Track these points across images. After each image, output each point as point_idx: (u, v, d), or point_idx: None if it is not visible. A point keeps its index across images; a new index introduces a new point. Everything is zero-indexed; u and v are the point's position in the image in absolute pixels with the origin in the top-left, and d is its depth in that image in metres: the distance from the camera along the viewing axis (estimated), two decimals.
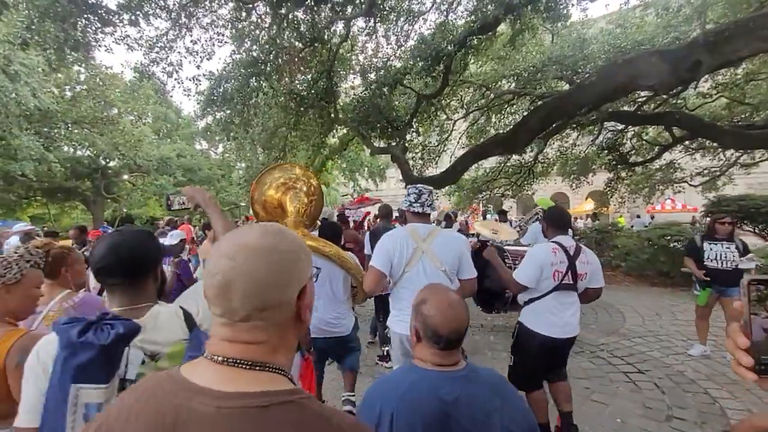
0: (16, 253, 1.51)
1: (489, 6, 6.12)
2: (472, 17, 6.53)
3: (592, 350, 4.74)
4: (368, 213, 10.86)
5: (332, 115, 9.46)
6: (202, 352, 0.69)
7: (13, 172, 14.98)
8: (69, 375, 0.94)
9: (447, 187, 14.47)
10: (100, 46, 5.61)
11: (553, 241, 2.71)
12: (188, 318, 1.19)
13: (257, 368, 0.63)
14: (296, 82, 8.33)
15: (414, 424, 1.14)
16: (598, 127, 12.79)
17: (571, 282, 2.60)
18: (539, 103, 10.68)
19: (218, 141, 14.38)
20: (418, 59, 6.88)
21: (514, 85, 11.34)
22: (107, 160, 19.75)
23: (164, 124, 23.12)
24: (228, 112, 8.32)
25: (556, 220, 2.86)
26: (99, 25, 5.49)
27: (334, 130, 11.78)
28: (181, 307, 1.22)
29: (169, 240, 4.27)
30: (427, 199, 2.53)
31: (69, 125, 16.86)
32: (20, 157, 14.55)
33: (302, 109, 8.60)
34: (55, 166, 15.78)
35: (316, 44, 7.23)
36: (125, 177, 22.54)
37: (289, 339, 0.70)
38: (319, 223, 3.55)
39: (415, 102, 8.51)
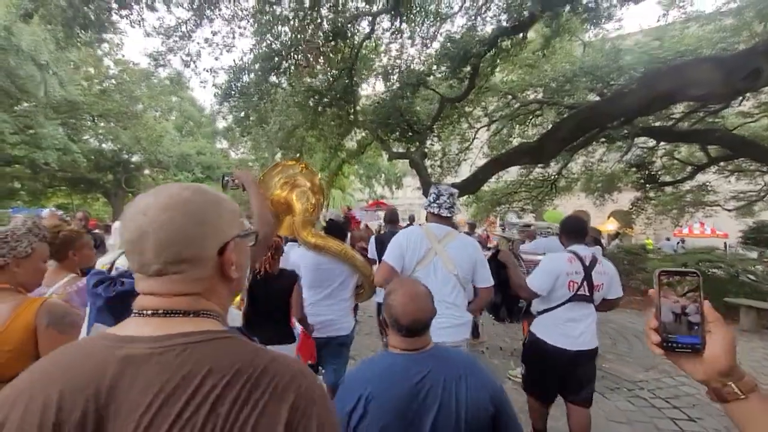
0: (24, 226, 1.50)
1: (526, 2, 5.59)
2: (505, 16, 6.02)
3: (630, 388, 4.09)
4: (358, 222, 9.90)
5: (351, 117, 9.03)
6: None
7: (38, 160, 15.04)
8: (93, 315, 1.19)
9: (465, 198, 13.91)
10: (113, 27, 5.30)
11: (568, 250, 2.61)
12: None
13: (188, 315, 0.62)
14: (316, 79, 7.92)
15: (385, 406, 1.21)
16: (628, 143, 12.06)
17: (587, 293, 2.50)
18: (569, 113, 10.09)
19: (236, 139, 14.12)
20: (445, 58, 6.39)
21: (541, 95, 10.78)
22: (129, 154, 19.81)
23: (187, 122, 23.20)
24: (244, 105, 7.97)
25: (572, 228, 2.73)
26: (113, 5, 5.17)
27: (353, 133, 11.39)
28: None
29: None
30: (445, 201, 2.43)
31: (95, 118, 16.94)
32: (44, 146, 14.59)
33: (321, 107, 8.21)
34: (78, 157, 15.81)
35: (338, 39, 6.82)
36: (146, 171, 22.68)
37: (217, 294, 0.68)
38: (323, 223, 3.39)
39: (438, 106, 8.00)
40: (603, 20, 6.31)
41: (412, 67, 7.85)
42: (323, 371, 2.91)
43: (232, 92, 7.99)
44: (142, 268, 0.62)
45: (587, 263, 2.51)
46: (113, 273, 1.31)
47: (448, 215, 2.45)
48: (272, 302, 2.58)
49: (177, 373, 0.54)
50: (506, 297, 3.15)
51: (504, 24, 5.98)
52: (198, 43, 7.09)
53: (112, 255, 2.12)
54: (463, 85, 7.48)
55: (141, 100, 17.44)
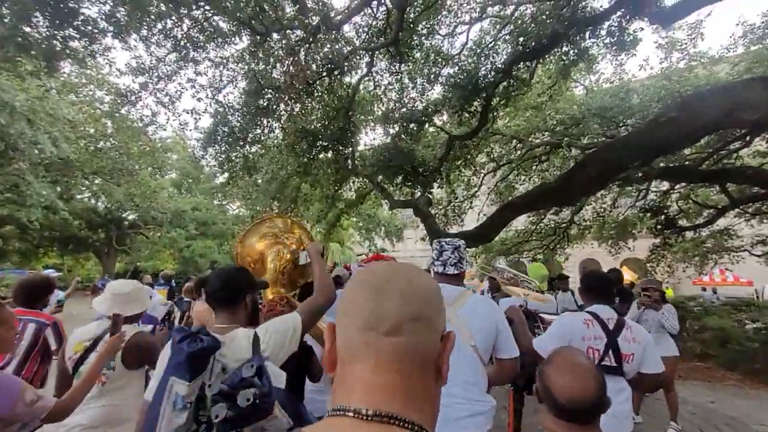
0: None
1: (549, 21, 4.78)
2: (522, 39, 5.19)
3: None
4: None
5: (348, 162, 8.04)
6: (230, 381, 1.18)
7: (21, 218, 13.93)
8: (170, 368, 1.23)
9: (474, 249, 12.64)
10: (71, 56, 4.38)
11: (587, 311, 2.19)
12: (255, 342, 1.37)
13: (405, 426, 0.50)
14: (308, 117, 7.00)
15: None
16: (645, 186, 11.09)
17: (615, 364, 2.01)
18: (584, 153, 9.21)
19: (231, 192, 13.17)
20: (455, 89, 5.48)
21: (548, 139, 9.99)
22: (122, 212, 18.79)
23: (185, 179, 22.52)
24: (230, 150, 6.96)
25: (593, 284, 2.34)
26: (75, 34, 4.29)
27: (350, 183, 10.41)
28: (255, 332, 1.40)
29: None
30: (450, 257, 2.03)
31: (88, 175, 16.12)
32: (28, 204, 13.54)
33: (315, 151, 7.21)
34: (63, 214, 14.71)
35: (333, 75, 5.98)
36: (142, 229, 21.58)
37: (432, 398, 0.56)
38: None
39: (446, 144, 7.03)
40: (627, 47, 5.53)
41: (415, 106, 6.97)
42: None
43: (218, 137, 7.03)
44: (373, 320, 0.54)
45: (611, 327, 2.08)
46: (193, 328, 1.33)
47: (456, 272, 2.03)
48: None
49: None
50: (527, 364, 2.41)
51: (521, 48, 5.12)
52: (179, 83, 6.19)
53: (96, 326, 2.08)
54: (474, 121, 6.53)
55: (136, 157, 16.70)
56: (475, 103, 5.95)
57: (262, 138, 7.66)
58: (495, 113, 6.73)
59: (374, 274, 0.58)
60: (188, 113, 6.43)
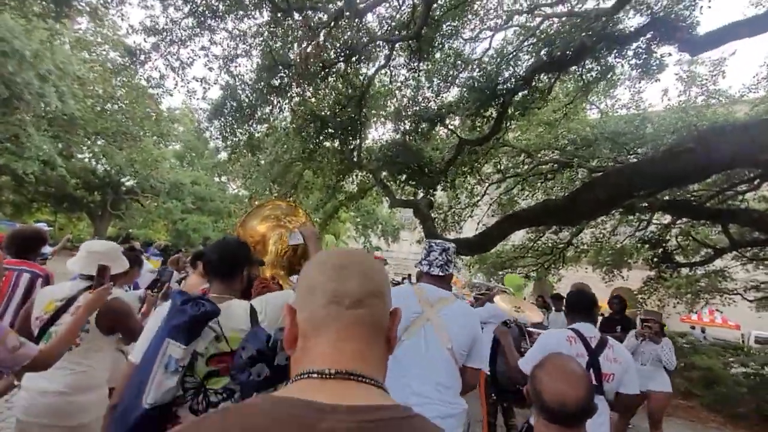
0: None
1: (577, 34, 4.62)
2: (546, 49, 5.03)
3: None
4: None
5: (354, 154, 7.87)
6: (260, 344, 1.23)
7: (16, 169, 13.68)
8: (167, 330, 1.21)
9: (468, 258, 12.49)
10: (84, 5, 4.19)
11: (570, 328, 2.16)
12: (253, 314, 1.38)
13: (368, 382, 0.55)
14: (321, 102, 6.82)
15: None
16: (647, 217, 10.97)
17: (595, 383, 1.91)
18: (591, 176, 9.09)
19: (232, 170, 12.93)
20: (473, 91, 5.31)
21: (557, 157, 9.85)
22: (120, 176, 18.53)
23: (189, 152, 22.26)
24: (233, 123, 6.77)
25: (576, 302, 2.33)
26: None
27: (353, 176, 10.23)
28: (251, 304, 1.42)
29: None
30: (437, 258, 1.99)
31: (90, 135, 15.87)
32: (25, 156, 13.30)
33: (322, 137, 7.03)
34: (61, 171, 14.46)
35: (352, 60, 5.80)
36: (139, 196, 21.30)
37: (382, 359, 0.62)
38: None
39: (455, 148, 6.86)
40: (652, 71, 5.39)
41: (429, 106, 6.79)
42: None
43: (225, 110, 6.84)
44: (337, 294, 0.59)
45: (593, 346, 2.08)
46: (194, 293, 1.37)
47: (441, 274, 2.00)
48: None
49: None
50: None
51: (544, 57, 4.96)
52: (192, 50, 5.99)
53: (71, 286, 1.93)
54: (486, 128, 6.37)
55: (141, 123, 16.44)
56: (491, 109, 5.78)
57: (270, 117, 7.48)
58: (509, 122, 6.55)
59: (333, 256, 0.63)
60: (198, 81, 6.24)
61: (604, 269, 13.49)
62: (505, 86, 5.31)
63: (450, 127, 6.68)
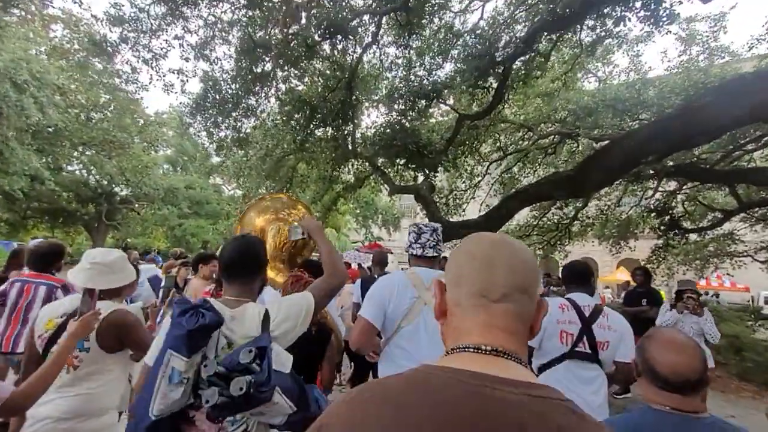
0: None
1: None
2: (549, 6, 4.54)
3: None
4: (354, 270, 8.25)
5: (348, 140, 7.41)
6: (228, 362, 1.10)
7: (3, 186, 13.17)
8: (168, 341, 1.13)
9: None
10: None
11: (565, 297, 2.19)
12: (265, 319, 1.27)
13: (518, 360, 0.57)
14: (308, 87, 6.33)
15: None
16: (654, 185, 10.59)
17: (588, 351, 1.99)
18: (600, 143, 8.67)
19: (228, 172, 12.41)
20: (471, 59, 4.84)
21: (559, 128, 9.41)
22: (113, 186, 18.00)
23: (181, 157, 21.68)
24: (217, 118, 6.29)
25: (572, 273, 2.33)
26: None
27: (349, 165, 9.78)
28: (266, 309, 1.30)
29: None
30: (429, 240, 2.00)
31: (77, 146, 15.31)
32: (11, 171, 12.77)
33: (313, 125, 6.57)
34: (50, 184, 13.94)
35: (337, 38, 5.32)
36: (136, 205, 20.79)
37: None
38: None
39: (455, 125, 6.40)
40: (663, 22, 4.93)
41: (423, 83, 6.30)
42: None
43: (207, 103, 6.36)
44: (485, 290, 0.60)
45: (587, 314, 2.03)
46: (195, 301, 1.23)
47: (435, 254, 1.99)
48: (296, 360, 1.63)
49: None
50: None
51: (545, 17, 4.48)
52: (165, 39, 5.48)
53: (70, 301, 1.82)
54: (486, 100, 5.91)
55: (128, 130, 15.86)
56: (490, 79, 5.32)
57: (257, 108, 7.00)
58: (509, 92, 6.09)
59: (483, 247, 0.63)
60: (174, 73, 5.74)
61: (610, 241, 13.15)
62: (505, 51, 4.84)
63: (448, 103, 6.19)
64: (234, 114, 6.75)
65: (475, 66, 4.87)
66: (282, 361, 1.24)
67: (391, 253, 19.11)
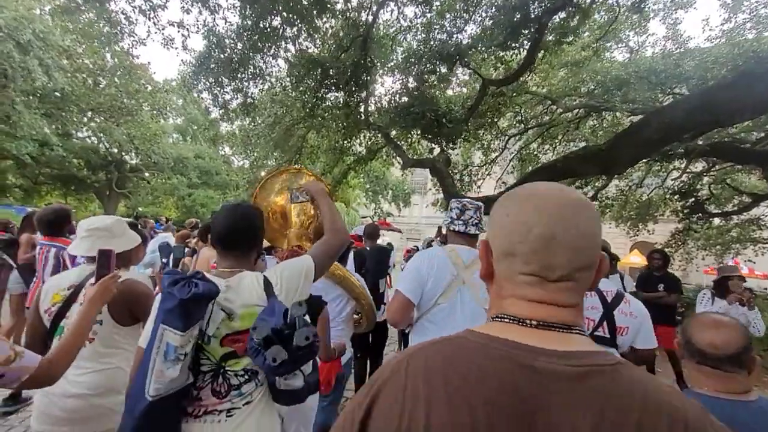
0: None
1: None
2: None
3: None
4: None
5: (361, 108, 6.88)
6: (276, 319, 1.03)
7: (11, 150, 12.94)
8: (160, 316, 1.07)
9: (486, 220, 11.67)
10: None
11: None
12: (267, 286, 1.21)
13: (573, 331, 0.53)
14: (321, 46, 5.77)
15: None
16: (682, 165, 9.93)
17: (607, 335, 1.94)
18: (634, 117, 8.03)
19: (237, 142, 11.93)
20: (500, 15, 4.24)
21: (585, 101, 8.72)
22: (122, 153, 17.71)
23: (190, 126, 21.20)
24: (223, 79, 5.80)
25: None
26: None
27: (361, 137, 9.26)
28: (264, 276, 1.23)
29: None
30: (472, 217, 1.93)
31: (85, 111, 14.92)
32: (19, 135, 12.49)
33: (323, 89, 6.05)
34: (58, 150, 13.67)
35: None
36: (146, 174, 20.57)
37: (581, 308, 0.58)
38: None
39: (479, 92, 5.83)
40: None
41: (446, 44, 5.68)
42: None
43: (211, 62, 5.85)
44: (542, 271, 0.54)
45: (609, 300, 1.97)
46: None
47: (476, 232, 1.92)
48: None
49: (610, 403, 0.46)
50: None
51: None
52: None
53: (78, 272, 1.69)
54: (513, 64, 5.30)
55: (138, 96, 15.37)
56: (522, 38, 4.72)
57: (264, 71, 6.47)
58: (543, 53, 5.47)
59: (541, 218, 0.53)
60: (174, 26, 5.22)
61: (628, 224, 12.61)
62: (541, 5, 4.22)
63: (472, 66, 5.60)
64: (240, 76, 6.25)
65: (506, 21, 4.27)
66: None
67: (400, 231, 18.74)
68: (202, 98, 6.51)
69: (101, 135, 16.68)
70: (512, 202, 0.57)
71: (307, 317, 1.06)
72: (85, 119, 15.81)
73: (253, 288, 1.19)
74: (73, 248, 1.70)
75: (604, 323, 1.98)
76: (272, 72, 6.68)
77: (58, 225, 2.71)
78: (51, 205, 3.92)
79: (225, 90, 6.05)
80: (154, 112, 16.78)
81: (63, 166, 17.21)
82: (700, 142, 8.01)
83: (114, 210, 21.77)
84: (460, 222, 1.93)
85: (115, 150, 17.69)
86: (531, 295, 0.54)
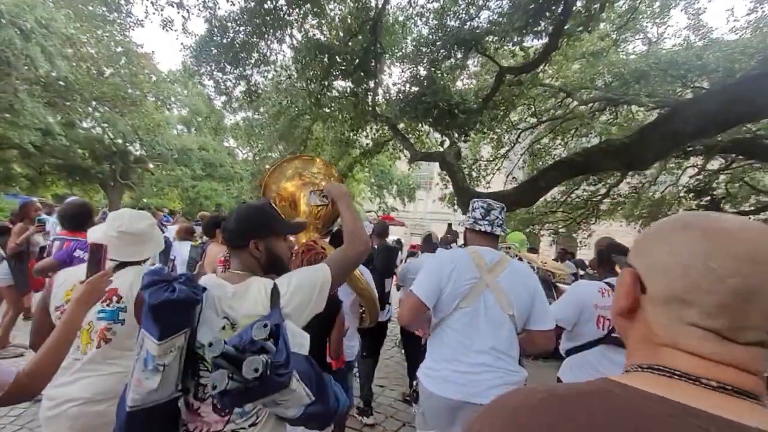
0: None
1: None
2: None
3: None
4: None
5: (369, 98, 6.55)
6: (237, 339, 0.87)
7: (13, 138, 12.73)
8: (140, 317, 1.05)
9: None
10: None
11: (605, 281, 2.09)
12: (274, 294, 1.09)
13: (757, 400, 0.43)
14: (329, 31, 5.43)
15: None
16: (700, 162, 9.55)
17: None
18: (656, 110, 7.64)
19: (241, 134, 11.60)
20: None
21: (602, 94, 8.32)
22: (127, 144, 17.47)
23: (195, 117, 20.91)
24: (225, 66, 5.49)
25: (607, 256, 2.19)
26: None
27: (368, 130, 8.92)
28: (275, 283, 1.12)
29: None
30: (498, 217, 1.85)
31: (89, 101, 14.67)
32: (21, 124, 12.25)
33: (331, 77, 5.72)
34: (61, 139, 13.45)
35: None
36: (150, 166, 20.33)
37: None
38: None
39: (494, 81, 5.47)
40: None
41: (462, 29, 5.31)
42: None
43: (213, 47, 5.53)
44: (730, 330, 0.44)
45: None
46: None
47: (500, 234, 1.84)
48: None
49: None
50: None
51: None
52: None
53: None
54: (533, 52, 4.94)
55: (142, 86, 15.08)
56: (544, 22, 4.35)
57: (269, 57, 6.15)
58: (566, 39, 5.10)
59: (736, 262, 0.42)
60: (174, 6, 4.89)
61: (640, 222, 12.23)
62: None
63: (488, 54, 5.23)
64: (243, 62, 5.93)
65: (528, 2, 3.92)
66: (298, 341, 1.05)
67: (404, 225, 18.46)
68: (203, 85, 6.20)
69: (105, 125, 16.44)
70: (689, 238, 0.46)
71: (269, 343, 0.89)
72: (90, 109, 15.56)
73: (259, 296, 1.09)
74: (96, 233, 1.56)
75: None
76: (277, 59, 6.35)
77: (82, 220, 2.66)
78: (75, 198, 3.95)
79: (227, 77, 5.73)
80: (158, 102, 16.49)
81: (68, 156, 17.00)
82: (719, 138, 7.63)
83: (118, 200, 21.60)
84: (486, 222, 1.83)
85: (120, 141, 17.45)
86: (706, 351, 0.44)
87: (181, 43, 5.01)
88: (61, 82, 13.89)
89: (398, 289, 4.21)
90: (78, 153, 17.11)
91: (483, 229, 1.82)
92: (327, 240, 2.58)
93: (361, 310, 2.47)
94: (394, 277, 4.09)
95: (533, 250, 6.24)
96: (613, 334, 1.92)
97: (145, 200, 23.09)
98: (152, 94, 15.98)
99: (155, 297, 0.93)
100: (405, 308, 1.78)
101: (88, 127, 17.80)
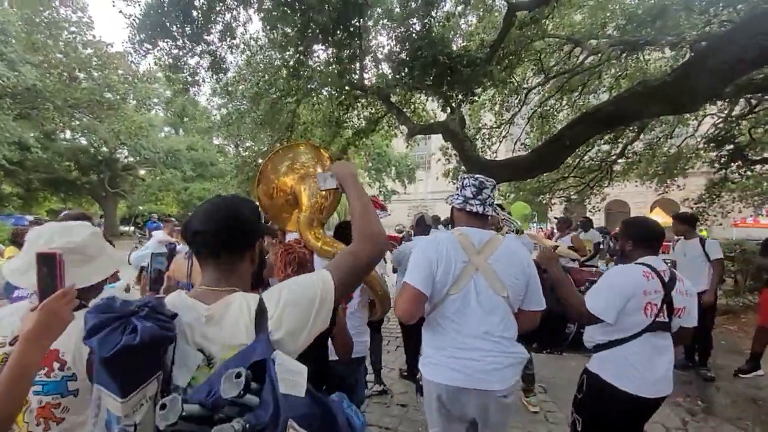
0: None
1: None
2: None
3: None
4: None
5: (357, 64, 5.57)
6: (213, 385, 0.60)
7: None
8: (92, 371, 0.77)
9: (506, 185, 10.41)
10: None
11: (641, 263, 1.79)
12: (259, 316, 0.78)
13: None
14: None
15: None
16: (726, 107, 8.58)
17: (666, 320, 1.74)
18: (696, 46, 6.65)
19: (230, 128, 10.54)
20: None
21: (617, 38, 7.29)
22: (111, 151, 16.47)
23: (178, 116, 19.81)
24: (185, 40, 4.51)
25: (645, 234, 1.88)
26: None
27: (359, 106, 7.93)
28: (261, 300, 0.81)
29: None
30: (489, 196, 1.70)
31: (63, 109, 13.63)
32: None
33: (307, 40, 4.73)
34: (36, 152, 12.49)
35: None
36: (141, 172, 19.35)
37: None
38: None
39: (503, 23, 4.48)
40: None
41: None
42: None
43: (165, 18, 4.53)
44: None
45: (666, 280, 1.73)
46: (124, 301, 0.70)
47: (493, 213, 1.73)
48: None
49: None
50: (551, 317, 1.85)
51: None
52: None
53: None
54: None
55: (117, 88, 14.01)
56: None
57: (234, 27, 5.15)
58: None
59: None
60: None
61: (655, 180, 11.32)
62: None
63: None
64: (206, 36, 4.94)
65: None
66: (293, 378, 0.68)
67: (384, 209, 17.60)
68: (161, 66, 5.20)
69: (86, 133, 15.41)
70: None
71: (249, 397, 0.59)
72: (66, 118, 14.53)
73: (241, 318, 0.77)
74: (16, 275, 1.00)
75: (664, 306, 1.73)
76: (246, 30, 5.34)
77: None
78: (70, 211, 3.27)
79: (185, 51, 4.75)
80: (138, 104, 15.42)
81: (51, 169, 16.07)
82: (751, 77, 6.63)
83: (114, 210, 20.73)
84: (477, 202, 1.67)
85: (104, 148, 16.45)
86: None
87: (122, 13, 3.96)
88: (29, 90, 12.86)
89: (394, 271, 3.74)
90: (62, 165, 16.18)
91: (474, 209, 1.65)
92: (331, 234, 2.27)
93: (370, 300, 2.26)
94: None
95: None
96: (657, 319, 1.71)
97: (141, 207, 22.24)
98: (130, 95, 14.89)
99: (108, 345, 0.64)
100: (402, 300, 1.60)
101: (69, 138, 16.80)
